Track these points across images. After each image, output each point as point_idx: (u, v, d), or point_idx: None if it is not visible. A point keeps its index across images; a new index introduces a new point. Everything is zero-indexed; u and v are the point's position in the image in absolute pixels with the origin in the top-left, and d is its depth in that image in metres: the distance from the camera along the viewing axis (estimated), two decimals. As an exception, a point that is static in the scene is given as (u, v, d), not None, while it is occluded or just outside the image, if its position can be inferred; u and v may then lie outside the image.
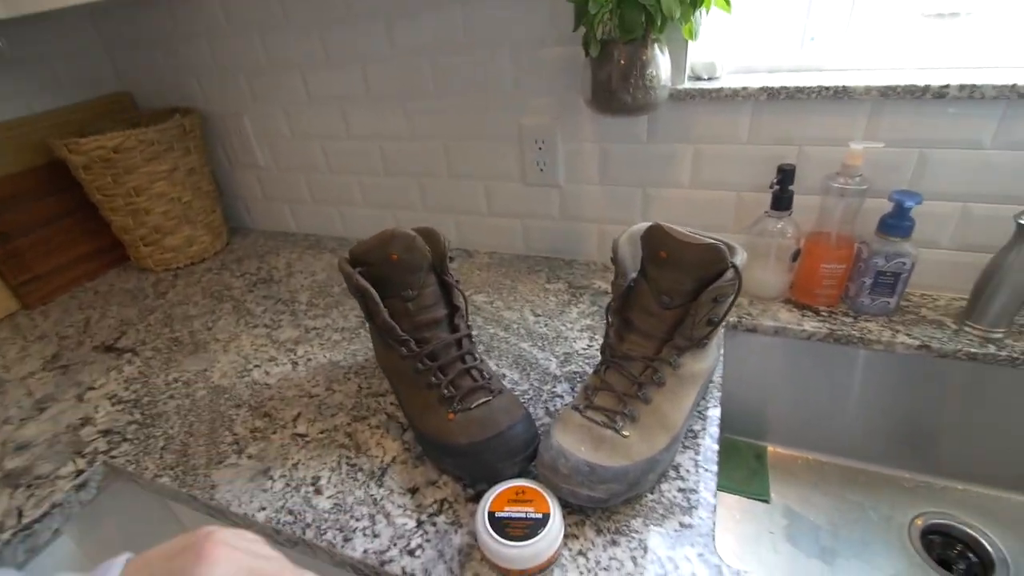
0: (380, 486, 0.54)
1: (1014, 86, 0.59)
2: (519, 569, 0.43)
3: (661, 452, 0.49)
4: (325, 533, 0.50)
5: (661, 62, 0.65)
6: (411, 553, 0.47)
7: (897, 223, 0.65)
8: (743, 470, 0.78)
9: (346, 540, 0.49)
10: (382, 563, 0.47)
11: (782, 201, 0.70)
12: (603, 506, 0.47)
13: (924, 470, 0.75)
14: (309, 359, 0.74)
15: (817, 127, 0.69)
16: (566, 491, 0.45)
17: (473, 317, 0.79)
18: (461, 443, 0.50)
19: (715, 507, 0.49)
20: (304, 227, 1.14)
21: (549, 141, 0.82)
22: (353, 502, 0.53)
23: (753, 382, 0.78)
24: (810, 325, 0.71)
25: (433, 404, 0.54)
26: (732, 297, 0.50)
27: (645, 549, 0.46)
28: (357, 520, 0.51)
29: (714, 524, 0.47)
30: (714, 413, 0.58)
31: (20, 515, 0.56)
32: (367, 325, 0.67)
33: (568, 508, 0.49)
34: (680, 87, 0.71)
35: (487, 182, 0.91)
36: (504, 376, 0.67)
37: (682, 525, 0.47)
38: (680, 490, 0.50)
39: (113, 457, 0.62)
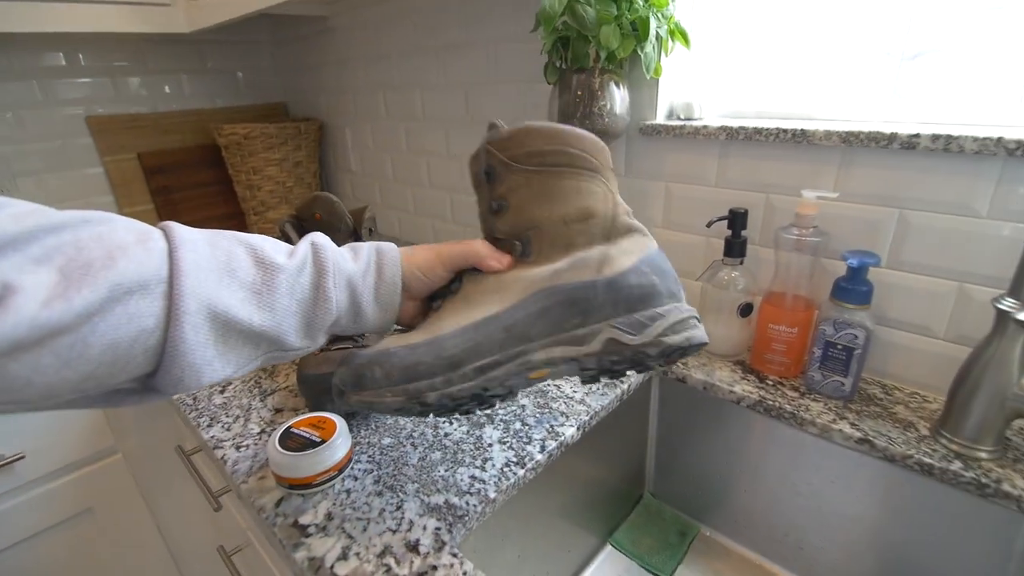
0: (262, 401, 0.64)
1: (1000, 139, 0.49)
2: (283, 476, 0.48)
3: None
4: (201, 417, 0.61)
5: (615, 93, 0.68)
6: (238, 448, 0.55)
7: (850, 287, 0.57)
8: (656, 540, 0.70)
9: (208, 425, 0.59)
10: (215, 447, 0.56)
11: (734, 247, 0.65)
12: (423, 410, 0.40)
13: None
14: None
15: (782, 174, 0.64)
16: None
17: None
18: (308, 372, 0.58)
19: (494, 503, 0.48)
20: (377, 228, 1.34)
21: (545, 167, 0.87)
22: (235, 405, 0.63)
23: (691, 449, 0.71)
24: (742, 388, 0.63)
25: None
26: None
27: (398, 507, 0.47)
28: (227, 416, 0.61)
29: (479, 515, 0.47)
30: (566, 432, 0.56)
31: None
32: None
33: (369, 456, 0.53)
34: (649, 123, 0.72)
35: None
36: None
37: (447, 503, 0.48)
38: (472, 477, 0.50)
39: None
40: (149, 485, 0.92)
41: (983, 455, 0.51)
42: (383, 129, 1.17)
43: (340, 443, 0.49)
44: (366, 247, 0.39)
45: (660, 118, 0.73)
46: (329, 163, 1.39)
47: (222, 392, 0.66)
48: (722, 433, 0.67)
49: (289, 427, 0.51)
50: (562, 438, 0.55)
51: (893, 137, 0.54)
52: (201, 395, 0.65)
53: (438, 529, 0.45)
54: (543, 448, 0.54)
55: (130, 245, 0.27)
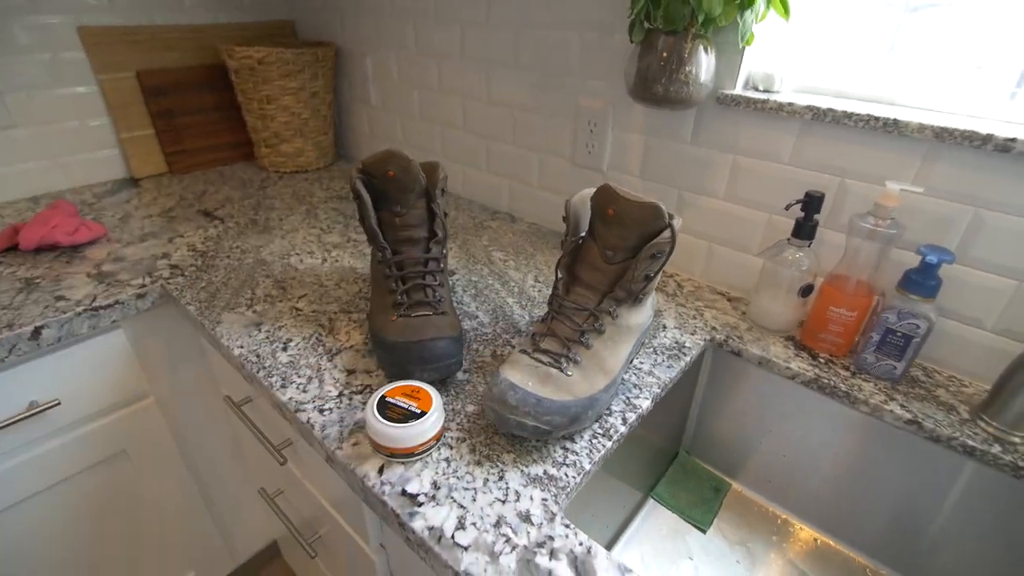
0: (330, 361, 0.63)
1: (1099, 155, 0.51)
2: (385, 445, 0.49)
3: (600, 392, 0.53)
4: (271, 377, 0.60)
5: (703, 60, 0.65)
6: (320, 411, 0.55)
7: (921, 280, 0.59)
8: (694, 494, 0.76)
9: (282, 387, 0.59)
10: (296, 410, 0.56)
11: (804, 229, 0.66)
12: (546, 437, 0.50)
13: (893, 566, 0.67)
14: (337, 260, 0.86)
15: (863, 160, 0.64)
16: (513, 422, 0.49)
17: (482, 268, 0.85)
18: (391, 340, 0.57)
19: (589, 474, 0.50)
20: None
21: (601, 125, 0.85)
22: (304, 364, 0.62)
23: (733, 413, 0.75)
24: (798, 365, 0.66)
25: (387, 306, 0.61)
26: (667, 254, 0.53)
27: (501, 476, 0.49)
28: (299, 377, 0.60)
29: (577, 485, 0.49)
30: (642, 404, 0.59)
31: (94, 299, 0.74)
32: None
33: (458, 424, 0.54)
34: (728, 92, 0.70)
35: (541, 155, 0.96)
36: (476, 317, 0.72)
37: (546, 474, 0.50)
38: (564, 448, 0.52)
39: (169, 283, 0.78)
40: (183, 429, 0.92)
41: (1017, 440, 0.57)
42: (411, 61, 1.09)
43: (438, 414, 0.50)
44: None
45: (739, 88, 0.71)
46: (343, 93, 1.30)
47: (285, 349, 0.65)
48: (760, 401, 0.71)
49: (384, 396, 0.51)
50: (639, 410, 0.58)
51: (989, 138, 0.55)
52: (264, 351, 0.64)
53: (544, 500, 0.47)
54: (624, 420, 0.56)
55: None
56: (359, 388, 0.59)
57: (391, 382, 0.53)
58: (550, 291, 0.79)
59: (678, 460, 0.81)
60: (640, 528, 0.72)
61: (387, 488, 0.47)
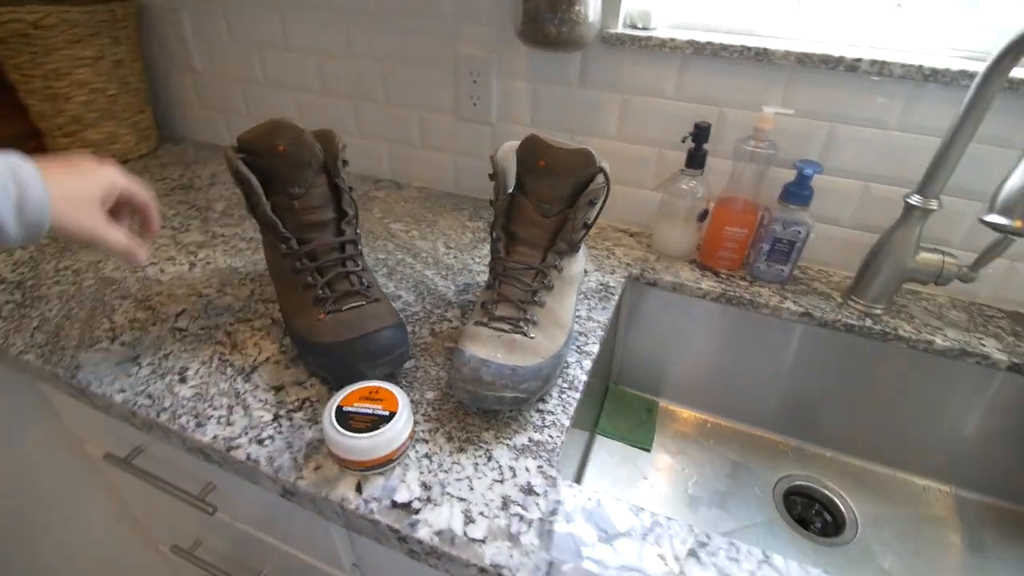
0: (247, 381, 0.54)
1: (920, 67, 0.60)
2: (358, 460, 0.44)
3: (562, 347, 0.53)
4: (180, 418, 0.50)
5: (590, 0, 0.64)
6: (260, 442, 0.48)
7: (797, 191, 0.67)
8: (631, 420, 0.81)
9: (199, 426, 0.49)
10: (229, 448, 0.47)
11: (696, 159, 0.71)
12: (523, 405, 0.49)
13: (800, 436, 0.79)
14: (208, 262, 0.73)
15: (737, 89, 0.70)
16: (492, 398, 0.46)
17: (384, 243, 0.78)
18: (325, 341, 0.50)
19: (566, 428, 0.50)
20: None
21: (484, 75, 0.80)
22: (215, 393, 0.52)
23: (651, 338, 0.80)
24: (707, 284, 0.73)
25: (307, 304, 0.53)
26: (603, 199, 0.53)
27: (489, 457, 0.47)
28: (215, 409, 0.51)
29: (562, 443, 0.49)
30: (592, 348, 0.60)
31: None
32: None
33: (423, 414, 0.50)
34: (612, 31, 0.70)
35: (422, 112, 0.89)
36: (399, 297, 0.67)
37: (531, 441, 0.49)
38: (538, 411, 0.52)
39: (-20, 331, 0.60)
40: (44, 509, 0.73)
41: (878, 311, 0.69)
42: (246, 15, 0.93)
43: (408, 411, 0.46)
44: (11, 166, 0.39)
45: (620, 27, 0.71)
46: (156, 60, 1.07)
47: (183, 381, 0.54)
48: (673, 323, 0.77)
49: (339, 406, 0.45)
50: (592, 355, 0.59)
51: (840, 60, 0.63)
52: (156, 389, 0.53)
53: (540, 467, 0.46)
54: (582, 368, 0.57)
55: None
56: (295, 405, 0.51)
57: (337, 389, 0.47)
58: (486, 256, 0.76)
59: (610, 392, 0.85)
60: (594, 464, 0.76)
61: (374, 505, 0.43)
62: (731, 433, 0.81)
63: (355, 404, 0.46)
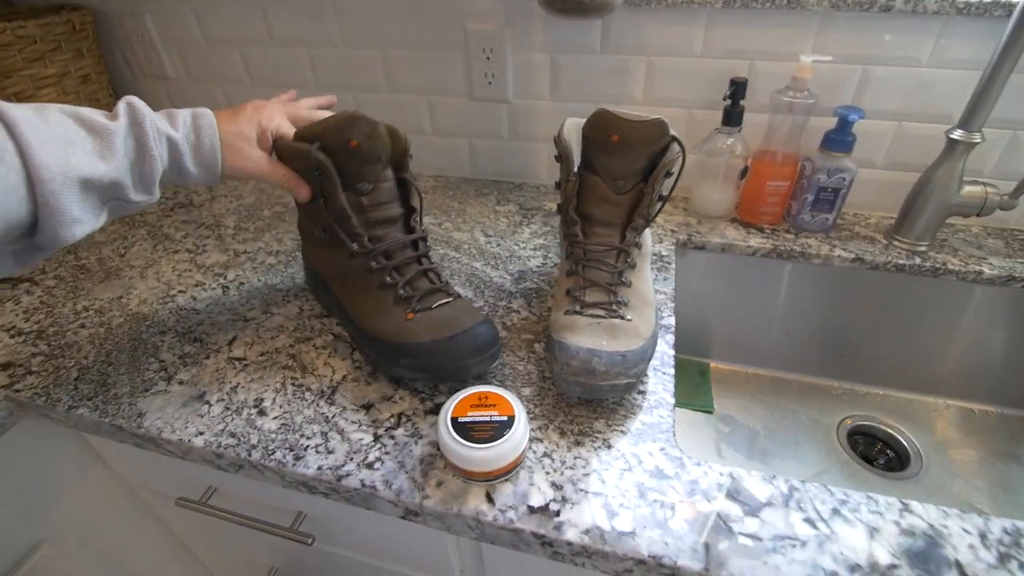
0: (331, 404, 0.51)
1: (953, 1, 0.60)
2: (484, 471, 0.42)
3: (655, 324, 0.52)
4: (274, 453, 0.47)
5: (620, -42, 0.61)
6: (369, 466, 0.45)
7: (840, 138, 0.67)
8: (688, 384, 0.82)
9: (297, 458, 0.46)
10: (339, 478, 0.44)
11: (733, 116, 0.70)
12: (632, 391, 0.49)
13: (850, 378, 0.81)
14: (241, 283, 0.68)
15: (769, 40, 0.68)
16: (606, 387, 0.46)
17: (421, 239, 0.75)
18: (423, 342, 0.48)
19: (673, 406, 0.50)
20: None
21: (498, 50, 0.77)
22: (302, 421, 0.49)
23: (698, 300, 0.80)
24: (755, 241, 0.72)
25: (388, 305, 0.51)
26: (680, 169, 0.52)
27: (609, 447, 0.46)
28: (308, 438, 0.48)
29: (674, 422, 0.48)
30: (670, 321, 0.59)
31: (-97, 457, 0.49)
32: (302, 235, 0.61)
33: (533, 413, 0.49)
34: (637, -9, 0.68)
35: (431, 96, 0.85)
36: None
37: (643, 424, 0.48)
38: (640, 392, 0.51)
39: (17, 391, 0.55)
40: (102, 559, 0.69)
41: (923, 248, 0.71)
42: (221, 13, 0.85)
43: (524, 413, 0.44)
44: (181, 113, 0.45)
45: (642, -14, 0.69)
46: (120, 71, 0.98)
47: (263, 414, 0.50)
48: (719, 283, 0.77)
49: (454, 418, 0.43)
50: (672, 328, 0.58)
51: (873, 2, 0.62)
52: (237, 426, 0.49)
53: (663, 449, 0.46)
54: (666, 343, 0.56)
55: None
56: (392, 422, 0.49)
57: (431, 399, 0.44)
58: (529, 239, 0.73)
59: (659, 361, 0.86)
60: (662, 433, 0.76)
61: (511, 514, 0.41)
62: (784, 384, 0.82)
63: (469, 413, 0.44)
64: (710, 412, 0.78)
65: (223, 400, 0.52)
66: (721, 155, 0.72)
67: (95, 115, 0.39)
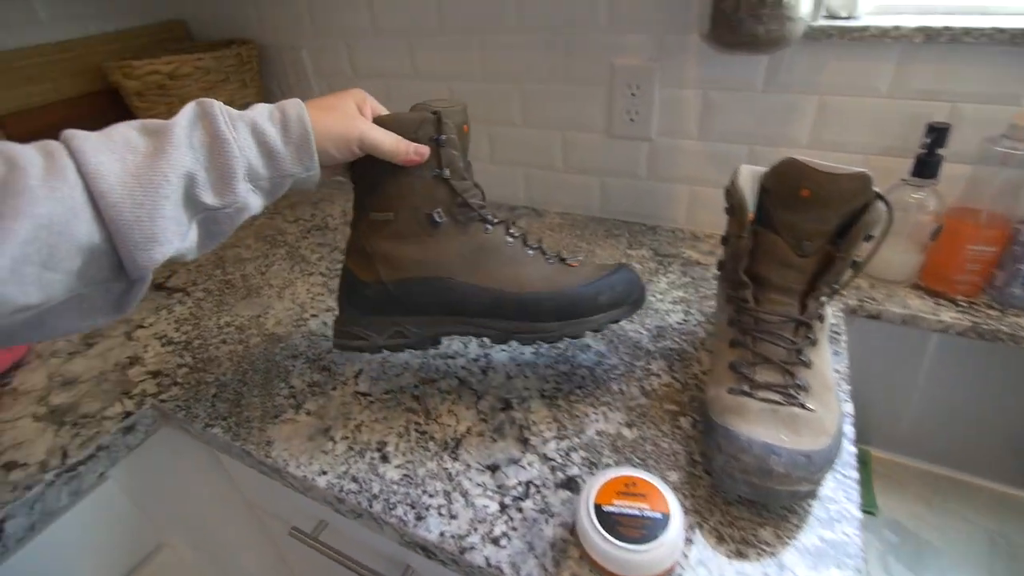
0: (455, 459, 0.48)
1: None
2: (624, 575, 0.36)
3: (840, 415, 0.43)
4: (395, 508, 0.44)
5: (807, -13, 0.54)
6: (495, 542, 0.41)
7: (1078, 200, 0.54)
8: (840, 472, 0.70)
9: (419, 518, 0.43)
10: (462, 550, 0.40)
11: (928, 167, 0.59)
12: (812, 497, 0.41)
13: (1059, 491, 0.65)
14: (369, 313, 0.68)
15: (980, 80, 0.58)
16: (784, 493, 0.38)
17: (548, 280, 0.71)
18: (607, 275, 0.51)
19: (861, 521, 0.41)
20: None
21: (645, 86, 0.72)
22: (425, 475, 0.46)
23: (863, 374, 0.69)
24: (948, 316, 0.60)
25: (542, 264, 0.51)
26: (884, 232, 0.44)
27: (781, 566, 0.38)
28: (431, 496, 0.45)
29: (860, 541, 0.39)
30: (847, 408, 0.50)
31: (65, 455, 0.52)
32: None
33: (684, 506, 0.42)
34: (817, 24, 0.60)
35: (566, 132, 0.82)
36: (588, 347, 0.59)
37: (823, 541, 0.39)
38: (816, 498, 0.42)
39: (163, 401, 0.57)
40: (214, 564, 0.71)
41: None
42: (371, 48, 0.89)
43: (681, 510, 0.38)
44: (258, 105, 0.40)
45: (821, 18, 0.61)
46: (275, 98, 1.05)
47: (386, 460, 0.48)
48: (893, 361, 0.65)
49: (598, 505, 0.38)
50: (850, 418, 0.49)
51: None
52: (359, 470, 0.47)
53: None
54: (845, 435, 0.47)
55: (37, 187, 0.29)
56: (520, 491, 0.44)
57: (565, 468, 0.39)
58: (666, 290, 0.67)
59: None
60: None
61: (662, 633, 0.35)
62: (969, 490, 0.67)
63: (615, 502, 0.38)
64: (873, 514, 0.65)
65: (347, 438, 0.51)
66: (907, 210, 0.61)
67: (159, 120, 0.36)
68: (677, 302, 0.65)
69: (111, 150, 0.32)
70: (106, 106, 0.90)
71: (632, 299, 0.51)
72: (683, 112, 0.73)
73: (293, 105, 0.40)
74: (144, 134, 0.34)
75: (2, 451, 0.53)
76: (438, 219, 0.47)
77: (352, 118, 0.42)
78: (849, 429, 0.48)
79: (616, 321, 0.50)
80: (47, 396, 0.59)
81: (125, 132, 0.34)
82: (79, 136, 0.32)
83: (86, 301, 0.34)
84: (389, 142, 0.43)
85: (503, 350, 0.59)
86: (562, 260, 0.52)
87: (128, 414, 0.56)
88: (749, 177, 0.47)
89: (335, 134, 0.41)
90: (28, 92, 0.82)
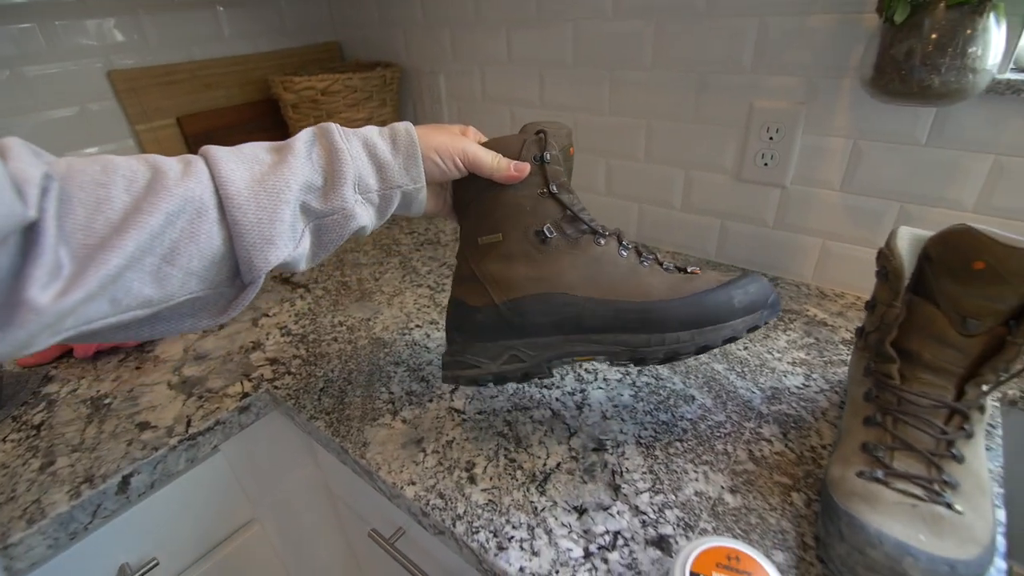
0: (542, 493, 0.46)
1: None
2: (726, 663, 0.32)
3: (995, 525, 0.37)
4: (477, 533, 0.43)
5: (993, 37, 0.48)
6: (577, 589, 0.39)
7: None
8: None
9: (500, 548, 0.42)
10: (541, 592, 0.39)
11: None
12: None
13: None
14: (470, 330, 0.69)
15: None
16: None
17: (654, 321, 0.68)
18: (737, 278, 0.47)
19: None
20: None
21: (786, 130, 0.68)
22: (510, 504, 0.45)
23: (1016, 477, 0.58)
24: None
25: (660, 273, 0.47)
26: None
27: None
28: (514, 528, 0.43)
29: None
30: (1000, 515, 0.42)
31: (189, 424, 0.57)
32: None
33: (789, 595, 0.37)
34: (1002, 77, 0.54)
35: (689, 171, 0.79)
36: (693, 399, 0.55)
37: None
38: (957, 618, 0.36)
39: (276, 388, 0.61)
40: (292, 548, 0.75)
41: None
42: (502, 75, 0.93)
43: (789, 599, 0.33)
44: (371, 126, 0.43)
45: (1009, 70, 0.54)
46: (408, 118, 1.13)
47: (473, 481, 0.48)
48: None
49: (693, 573, 0.34)
50: (1002, 527, 0.41)
51: None
52: (447, 487, 0.47)
53: None
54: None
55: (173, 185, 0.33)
56: (607, 540, 0.42)
57: (658, 524, 0.36)
58: (786, 349, 0.62)
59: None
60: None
61: None
62: None
63: (714, 574, 0.34)
64: (1020, 648, 0.55)
65: (438, 452, 0.51)
66: (1101, 295, 0.52)
67: (283, 141, 0.40)
68: (797, 364, 0.59)
69: (241, 160, 0.36)
70: (265, 114, 1.01)
71: (769, 301, 0.45)
72: (826, 160, 0.68)
73: (402, 123, 0.44)
74: (270, 151, 0.38)
75: (141, 411, 0.59)
76: (548, 234, 0.46)
77: (456, 136, 0.45)
78: (1001, 541, 0.40)
79: (755, 327, 0.44)
80: (181, 367, 0.66)
81: (253, 148, 0.38)
82: (214, 149, 0.36)
83: (198, 302, 0.37)
84: (489, 158, 0.45)
85: (600, 388, 0.57)
86: (681, 269, 0.48)
87: (246, 395, 0.61)
88: (909, 240, 0.42)
89: (440, 146, 0.44)
90: (204, 97, 0.95)
